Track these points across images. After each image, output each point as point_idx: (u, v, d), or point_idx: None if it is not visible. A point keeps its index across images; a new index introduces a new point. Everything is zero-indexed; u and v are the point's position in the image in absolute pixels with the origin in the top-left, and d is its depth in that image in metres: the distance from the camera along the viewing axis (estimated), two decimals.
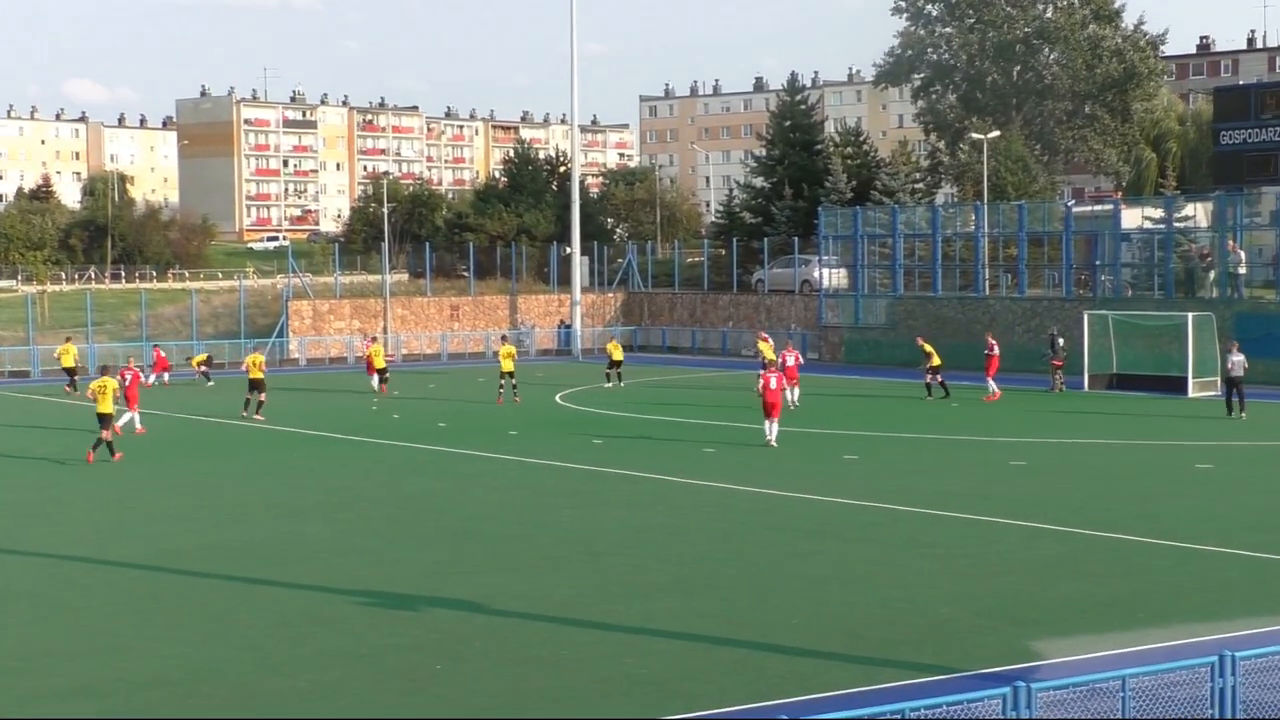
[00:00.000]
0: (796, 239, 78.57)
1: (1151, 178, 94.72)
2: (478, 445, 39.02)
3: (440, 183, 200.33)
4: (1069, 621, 19.34)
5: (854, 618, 19.72)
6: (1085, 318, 55.27)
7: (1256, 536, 24.87)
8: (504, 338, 58.92)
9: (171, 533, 26.68)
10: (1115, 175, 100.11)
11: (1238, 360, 44.46)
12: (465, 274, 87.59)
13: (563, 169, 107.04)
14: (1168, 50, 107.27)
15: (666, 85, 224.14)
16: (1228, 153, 59.04)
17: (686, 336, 77.76)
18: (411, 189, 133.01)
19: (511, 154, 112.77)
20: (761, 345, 55.07)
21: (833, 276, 71.62)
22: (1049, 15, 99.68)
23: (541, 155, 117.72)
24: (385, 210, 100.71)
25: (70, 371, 58.39)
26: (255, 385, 45.90)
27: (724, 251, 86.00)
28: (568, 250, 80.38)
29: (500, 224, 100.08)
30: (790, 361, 46.86)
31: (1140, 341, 55.24)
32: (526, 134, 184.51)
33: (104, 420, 36.14)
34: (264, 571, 22.96)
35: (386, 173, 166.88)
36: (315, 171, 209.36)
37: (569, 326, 78.73)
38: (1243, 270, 56.65)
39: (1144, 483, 31.59)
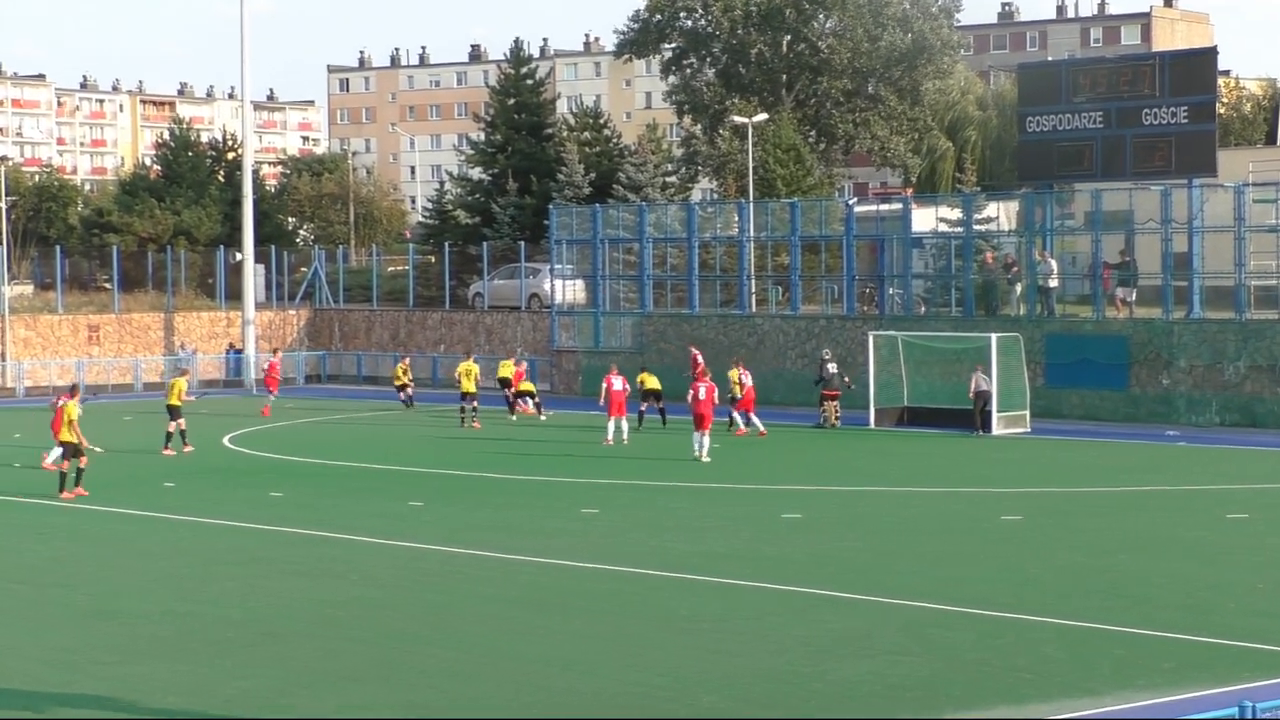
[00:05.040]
0: (523, 244, 78.70)
1: (947, 172, 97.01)
2: (124, 500, 38.23)
3: (75, 171, 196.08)
4: (856, 707, 19.59)
5: (595, 708, 19.70)
6: (870, 339, 56.37)
7: (1074, 603, 25.55)
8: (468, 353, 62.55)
9: None
10: (904, 168, 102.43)
11: (982, 379, 51.75)
12: (108, 286, 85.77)
13: (232, 155, 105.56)
14: (964, 19, 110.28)
15: (361, 53, 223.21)
16: (1035, 142, 60.74)
17: (388, 364, 77.22)
18: (37, 179, 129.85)
19: (166, 136, 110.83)
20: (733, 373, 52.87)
21: (567, 289, 71.86)
22: None
23: (204, 138, 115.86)
24: (3, 205, 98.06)
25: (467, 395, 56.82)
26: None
27: (434, 259, 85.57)
28: (238, 256, 79.31)
29: (152, 223, 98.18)
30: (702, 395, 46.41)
31: (936, 368, 56.54)
32: (185, 111, 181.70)
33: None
34: None
35: (4, 158, 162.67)
36: None
37: (240, 352, 77.58)
38: (1054, 283, 58.27)
39: (943, 539, 32.24)
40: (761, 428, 51.47)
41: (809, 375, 58.05)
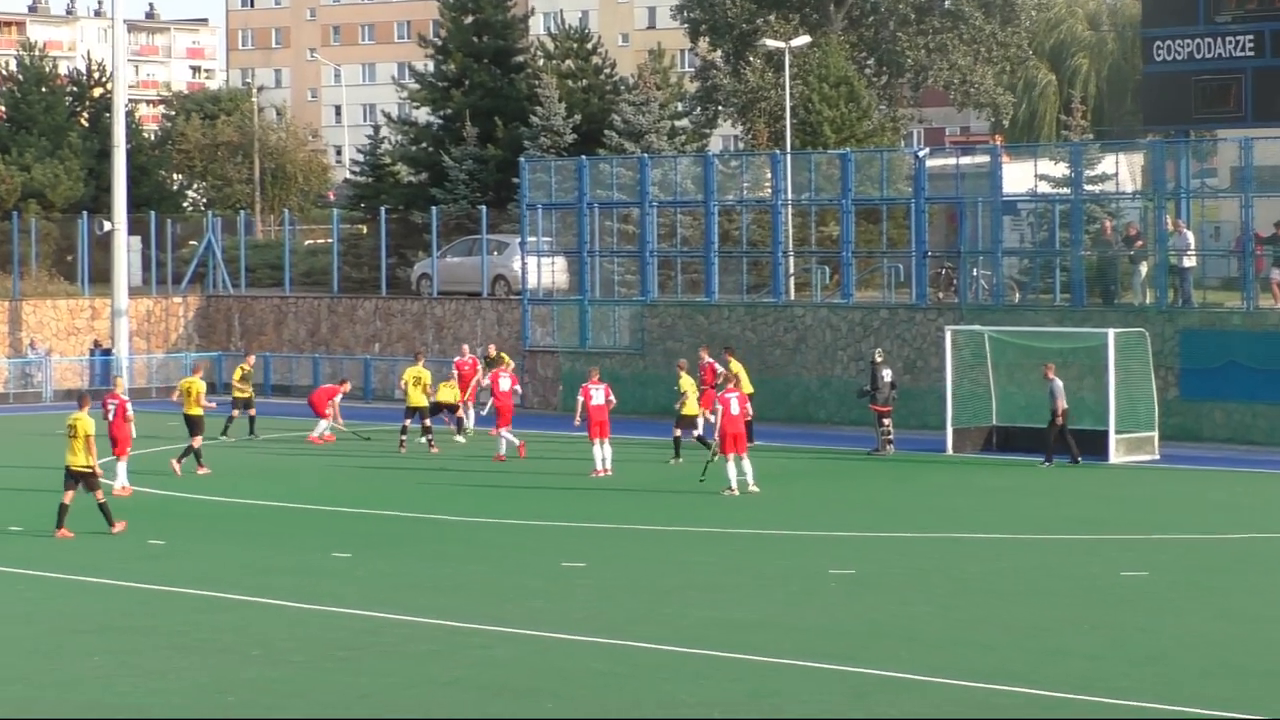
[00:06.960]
0: (485, 209, 78.54)
1: (1049, 113, 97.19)
2: None
3: None
4: None
5: None
6: (948, 336, 56.21)
7: (1214, 686, 25.51)
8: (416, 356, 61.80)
9: None
10: (993, 108, 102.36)
11: (1058, 387, 51.06)
12: None
13: (99, 92, 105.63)
14: None
15: None
16: (1165, 75, 60.73)
17: (306, 369, 77.15)
18: None
19: (13, 67, 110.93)
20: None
21: (544, 270, 71.71)
22: None
23: (63, 69, 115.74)
24: None
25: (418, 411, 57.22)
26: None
27: (366, 230, 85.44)
28: (106, 226, 79.26)
29: None
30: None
31: (1034, 375, 56.38)
32: (38, 34, 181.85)
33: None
34: None
35: None
36: None
37: (108, 352, 77.45)
38: (1190, 262, 58.19)
39: (1040, 603, 32.22)
40: (505, 448, 51.78)
41: (861, 383, 57.66)
